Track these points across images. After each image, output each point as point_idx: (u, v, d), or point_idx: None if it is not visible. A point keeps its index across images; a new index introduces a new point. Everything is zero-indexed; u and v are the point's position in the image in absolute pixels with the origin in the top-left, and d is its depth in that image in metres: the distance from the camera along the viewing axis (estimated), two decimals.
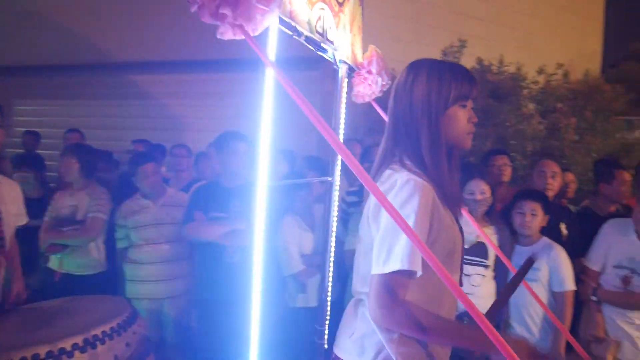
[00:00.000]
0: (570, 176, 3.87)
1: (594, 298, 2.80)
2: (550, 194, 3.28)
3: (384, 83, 2.06)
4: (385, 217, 1.23)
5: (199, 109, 7.20)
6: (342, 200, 3.61)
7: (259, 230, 1.39)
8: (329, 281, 2.27)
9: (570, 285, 2.65)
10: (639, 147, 5.91)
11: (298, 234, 2.94)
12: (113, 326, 1.97)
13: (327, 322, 2.24)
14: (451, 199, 1.34)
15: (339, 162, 2.15)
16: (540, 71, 5.72)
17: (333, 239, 2.23)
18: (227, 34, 1.17)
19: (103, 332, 1.91)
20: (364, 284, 1.33)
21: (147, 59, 7.13)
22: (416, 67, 1.37)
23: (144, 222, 3.10)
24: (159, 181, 3.25)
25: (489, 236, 2.75)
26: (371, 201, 1.32)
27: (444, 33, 6.49)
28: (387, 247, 1.19)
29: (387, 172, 1.34)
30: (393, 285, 1.18)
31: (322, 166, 3.16)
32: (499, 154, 3.67)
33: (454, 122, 1.33)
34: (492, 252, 2.73)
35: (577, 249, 2.95)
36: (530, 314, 2.68)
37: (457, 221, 1.38)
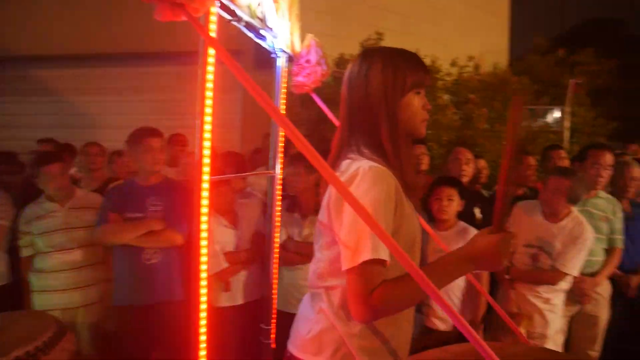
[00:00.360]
0: (483, 163, 4.06)
1: (507, 276, 2.96)
2: (465, 180, 3.43)
3: (323, 73, 2.03)
4: (348, 208, 1.20)
5: (114, 105, 6.85)
6: (266, 194, 3.57)
7: (200, 228, 1.30)
8: (273, 278, 2.22)
9: None
10: (544, 134, 6.36)
11: (219, 231, 2.86)
12: (38, 345, 1.79)
13: (273, 321, 2.18)
14: (410, 187, 1.33)
15: (281, 156, 2.11)
16: (453, 64, 5.98)
17: (278, 233, 2.18)
18: (165, 14, 1.09)
19: (27, 352, 1.73)
20: (322, 279, 1.31)
21: (52, 53, 6.66)
22: (370, 55, 1.36)
23: (51, 228, 2.88)
24: (66, 183, 3.02)
25: None
26: (331, 192, 1.28)
27: (361, 27, 6.61)
28: (354, 239, 1.17)
29: (346, 162, 1.31)
30: (367, 277, 1.16)
31: (240, 163, 3.09)
32: (417, 144, 3.77)
33: (410, 109, 1.33)
34: None
35: None
36: (449, 294, 2.79)
37: (416, 211, 1.38)
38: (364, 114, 1.32)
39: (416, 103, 1.34)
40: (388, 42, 5.82)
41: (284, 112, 2.08)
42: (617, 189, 3.35)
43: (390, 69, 1.30)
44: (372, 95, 1.31)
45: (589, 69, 7.93)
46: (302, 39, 2.07)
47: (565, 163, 3.67)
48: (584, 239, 2.77)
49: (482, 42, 8.70)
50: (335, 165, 1.35)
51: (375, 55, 1.35)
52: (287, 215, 2.92)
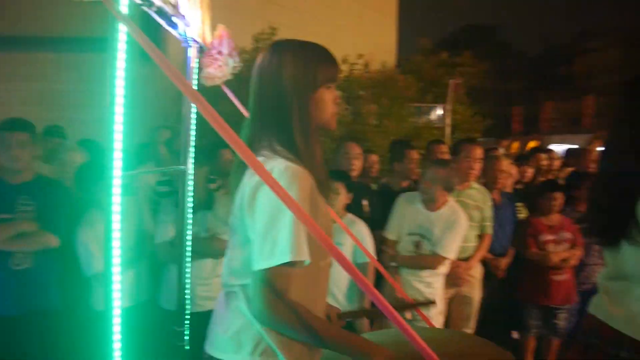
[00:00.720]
0: (374, 157, 4.23)
1: (393, 264, 3.12)
2: (354, 173, 3.54)
3: (235, 65, 1.95)
4: (265, 207, 1.17)
5: None
6: (152, 190, 3.40)
7: (114, 227, 1.18)
8: (186, 278, 2.10)
9: (363, 257, 2.90)
10: (428, 130, 6.80)
11: (101, 230, 2.68)
12: None
13: (186, 323, 2.07)
14: (323, 184, 1.31)
15: (191, 150, 2.01)
16: (344, 61, 6.16)
17: (189, 231, 2.07)
18: None
19: None
20: (237, 277, 1.27)
21: None
22: (280, 48, 1.32)
23: None
24: None
25: None
26: (245, 190, 1.24)
27: (255, 20, 6.56)
28: (271, 239, 1.14)
29: (259, 159, 1.25)
30: (279, 280, 1.15)
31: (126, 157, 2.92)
32: None
33: (322, 104, 1.31)
34: None
35: (378, 222, 3.25)
36: (336, 283, 2.87)
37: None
38: (275, 109, 1.29)
39: (327, 97, 1.32)
40: (281, 37, 5.83)
41: (195, 110, 1.99)
42: (488, 180, 3.67)
43: (301, 63, 1.28)
44: (283, 89, 1.27)
45: (467, 71, 8.60)
46: (213, 29, 2.00)
47: (447, 157, 3.95)
48: (460, 225, 3.00)
49: (371, 41, 9.06)
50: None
51: (286, 48, 1.31)
52: (175, 210, 2.82)
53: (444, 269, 3.07)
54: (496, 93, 40.48)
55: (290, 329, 1.19)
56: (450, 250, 3.00)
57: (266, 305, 1.15)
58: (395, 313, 1.01)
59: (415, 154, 3.92)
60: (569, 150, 5.67)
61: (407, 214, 3.08)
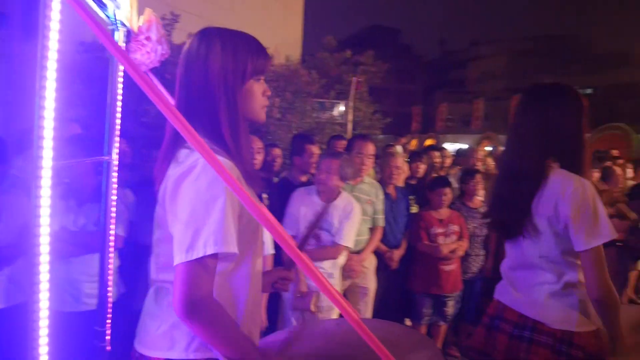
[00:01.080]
0: (277, 151, 4.20)
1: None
2: (255, 167, 3.51)
3: (163, 52, 1.82)
4: (189, 198, 1.12)
5: None
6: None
7: (39, 223, 1.00)
8: (109, 276, 1.92)
9: (270, 249, 2.90)
10: (330, 125, 6.92)
11: None
12: None
13: (108, 322, 1.91)
14: (251, 176, 1.28)
15: (117, 139, 1.83)
16: None
17: (113, 226, 1.89)
18: None
19: None
20: (166, 272, 1.22)
21: None
22: (208, 37, 1.26)
23: None
24: None
25: None
26: (169, 183, 1.19)
27: (156, 4, 6.24)
28: (191, 232, 1.10)
29: (184, 151, 1.21)
30: (199, 274, 1.10)
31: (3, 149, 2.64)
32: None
33: (251, 96, 1.28)
34: None
35: (277, 216, 3.24)
36: None
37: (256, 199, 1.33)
38: (202, 100, 1.24)
39: (257, 89, 1.30)
40: (183, 24, 5.63)
41: (120, 97, 1.85)
42: (384, 176, 3.81)
43: (230, 53, 1.24)
44: (211, 80, 1.23)
45: (369, 70, 8.87)
46: (140, 13, 1.86)
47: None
48: (355, 213, 3.11)
49: (277, 35, 9.03)
50: (170, 153, 1.25)
51: (214, 37, 1.26)
52: (61, 203, 2.61)
53: (342, 259, 3.14)
54: (397, 93, 42.43)
55: (204, 330, 1.15)
56: (350, 239, 3.09)
57: (184, 303, 1.10)
58: (344, 303, 1.01)
59: (315, 149, 3.96)
60: (458, 149, 6.06)
61: (304, 207, 3.11)
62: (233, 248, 1.14)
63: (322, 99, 7.60)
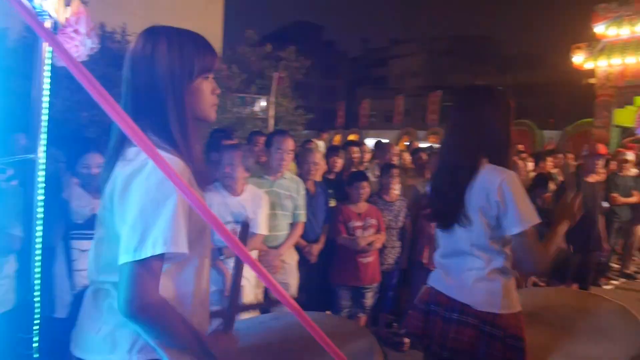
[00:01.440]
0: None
1: (221, 257, 3.06)
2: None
3: (92, 46, 1.68)
4: (138, 197, 1.11)
5: None
6: None
7: None
8: (35, 280, 1.76)
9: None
10: (251, 120, 6.86)
11: None
12: None
13: (35, 329, 1.76)
14: (201, 174, 1.27)
15: (43, 137, 1.67)
16: None
17: (40, 227, 1.72)
18: None
19: None
20: (108, 273, 1.20)
21: None
22: (154, 35, 1.25)
23: None
24: None
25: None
26: (117, 180, 1.17)
27: None
28: (140, 231, 1.09)
29: (134, 149, 1.19)
30: (146, 274, 1.09)
31: None
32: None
33: (199, 94, 1.28)
34: None
35: None
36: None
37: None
38: (150, 99, 1.23)
39: (205, 88, 1.29)
40: (91, 11, 5.33)
41: (47, 90, 1.70)
42: (302, 171, 3.84)
43: (177, 52, 1.23)
44: (158, 78, 1.22)
45: (292, 65, 8.88)
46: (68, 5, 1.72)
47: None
48: (265, 201, 3.16)
49: (196, 27, 8.78)
50: (119, 152, 1.23)
51: (161, 35, 1.25)
52: None
53: (254, 254, 3.14)
54: (321, 88, 42.86)
55: (152, 328, 1.15)
56: (265, 226, 3.15)
57: (131, 303, 1.09)
58: (292, 300, 1.02)
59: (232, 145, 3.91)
60: (376, 144, 6.23)
61: (214, 205, 3.07)
62: (182, 248, 1.14)
63: (243, 94, 7.51)
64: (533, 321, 2.06)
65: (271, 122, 7.20)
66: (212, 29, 10.03)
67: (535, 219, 1.76)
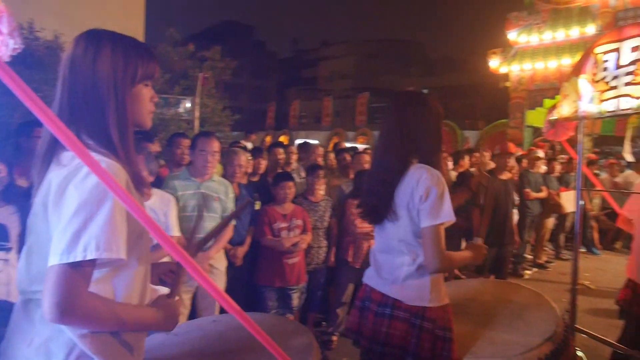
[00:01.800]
0: None
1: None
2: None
3: (15, 47, 1.56)
4: (74, 201, 1.09)
5: None
6: None
7: None
8: None
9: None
10: (175, 122, 6.66)
11: None
12: None
13: None
14: (139, 179, 1.27)
15: None
16: None
17: None
18: None
19: None
20: (38, 283, 1.15)
21: None
22: (96, 39, 1.24)
23: None
24: None
25: (9, 216, 2.59)
26: (51, 184, 1.15)
27: None
28: (71, 234, 1.07)
29: (68, 154, 1.17)
30: (75, 279, 1.07)
31: None
32: (38, 127, 3.36)
33: (139, 100, 1.29)
34: (15, 233, 2.55)
35: None
36: None
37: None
38: (89, 103, 1.23)
39: (145, 94, 1.31)
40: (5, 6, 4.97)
41: None
42: (228, 173, 3.79)
43: (120, 57, 1.24)
44: (100, 83, 1.22)
45: (217, 65, 8.72)
46: None
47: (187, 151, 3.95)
48: (173, 204, 3.12)
49: (116, 24, 8.43)
50: (51, 155, 1.21)
51: (103, 39, 1.25)
52: None
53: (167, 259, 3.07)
54: (252, 89, 42.51)
55: (87, 326, 1.14)
56: (177, 228, 3.10)
57: (58, 307, 1.06)
58: (232, 301, 0.99)
59: (154, 147, 3.79)
60: (300, 145, 6.27)
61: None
62: (118, 254, 1.12)
63: (166, 95, 7.29)
64: (459, 312, 2.21)
65: (197, 123, 7.02)
66: (132, 27, 9.64)
67: (448, 217, 1.86)
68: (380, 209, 1.99)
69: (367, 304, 2.06)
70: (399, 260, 1.97)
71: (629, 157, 4.83)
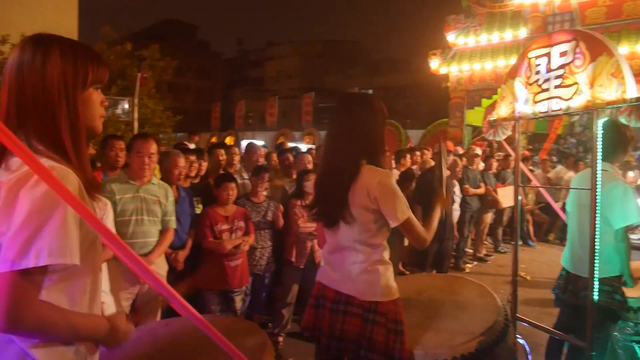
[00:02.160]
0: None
1: None
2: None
3: None
4: (23, 207, 1.07)
5: None
6: None
7: None
8: None
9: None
10: (113, 123, 6.42)
11: None
12: None
13: None
14: (91, 185, 1.25)
15: None
16: (3, 41, 5.28)
17: None
18: None
19: None
20: None
21: None
22: (44, 44, 1.22)
23: None
24: None
25: None
26: (1, 192, 1.12)
27: None
28: (22, 240, 1.05)
29: (17, 159, 1.13)
30: (25, 286, 1.05)
31: None
32: None
33: (90, 104, 1.28)
34: None
35: None
36: None
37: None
38: (39, 108, 1.20)
39: (95, 99, 1.30)
40: None
41: None
42: (165, 176, 3.68)
43: (70, 61, 1.23)
44: (50, 88, 1.20)
45: (157, 65, 8.47)
46: None
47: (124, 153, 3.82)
48: (109, 208, 2.97)
49: (49, 21, 8.03)
50: (1, 161, 1.18)
51: (51, 44, 1.23)
52: None
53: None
54: (197, 89, 41.70)
55: (36, 336, 1.12)
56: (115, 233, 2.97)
57: (7, 316, 1.04)
58: (185, 303, 1.08)
59: (88, 150, 3.63)
60: (246, 146, 6.20)
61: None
62: (71, 259, 1.11)
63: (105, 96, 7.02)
64: (409, 305, 2.29)
65: (136, 124, 6.79)
66: (65, 25, 9.22)
67: (408, 212, 1.95)
68: (334, 211, 2.02)
69: (321, 301, 2.10)
70: (352, 258, 2.02)
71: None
